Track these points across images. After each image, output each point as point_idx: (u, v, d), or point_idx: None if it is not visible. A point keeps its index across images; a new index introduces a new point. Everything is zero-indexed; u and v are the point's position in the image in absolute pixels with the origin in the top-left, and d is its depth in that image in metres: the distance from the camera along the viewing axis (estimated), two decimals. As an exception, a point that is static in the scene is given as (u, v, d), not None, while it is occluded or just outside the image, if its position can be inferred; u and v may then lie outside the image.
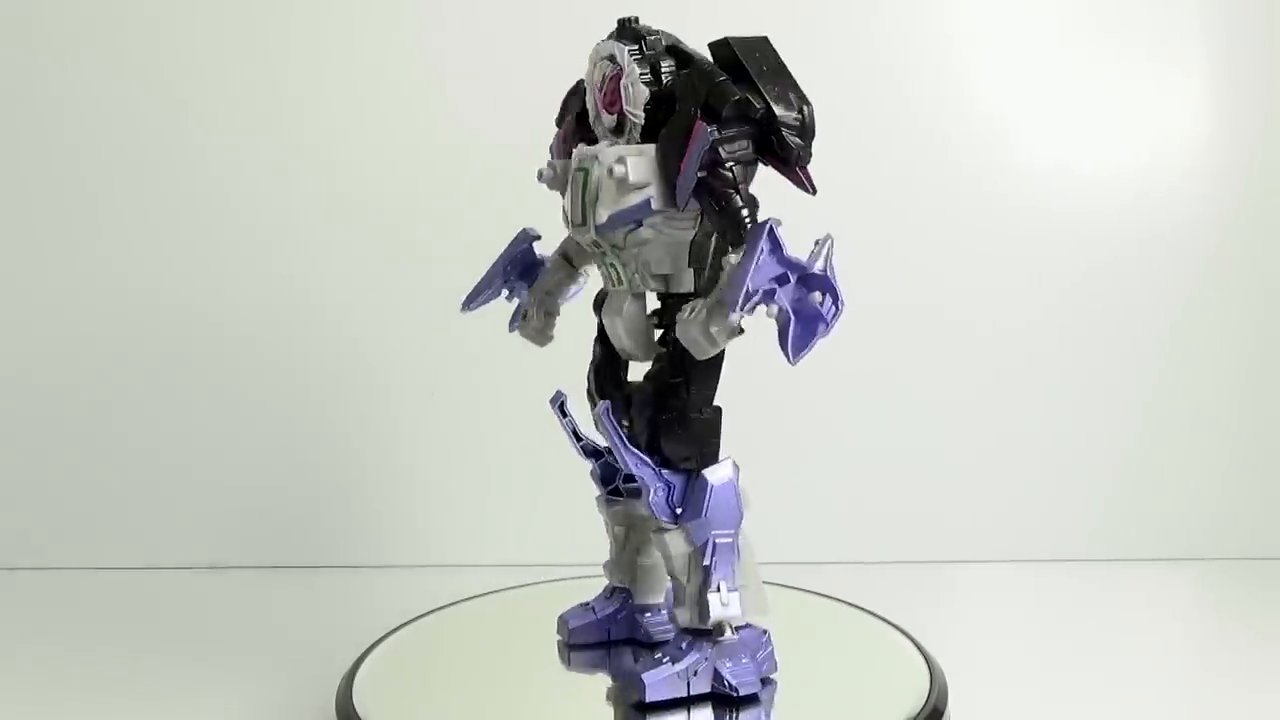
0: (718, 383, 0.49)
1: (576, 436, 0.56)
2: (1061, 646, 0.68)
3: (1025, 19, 0.82)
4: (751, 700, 0.50)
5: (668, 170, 0.46)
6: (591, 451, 0.56)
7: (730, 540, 0.49)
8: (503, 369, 0.78)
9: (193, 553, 0.83)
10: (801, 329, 0.43)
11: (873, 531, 0.83)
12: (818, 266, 0.44)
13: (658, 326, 0.51)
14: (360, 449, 0.83)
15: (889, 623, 0.61)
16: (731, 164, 0.45)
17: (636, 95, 0.47)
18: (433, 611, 0.64)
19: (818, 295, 0.44)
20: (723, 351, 0.46)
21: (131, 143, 0.81)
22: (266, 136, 0.81)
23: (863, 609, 0.63)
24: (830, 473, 0.83)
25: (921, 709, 0.51)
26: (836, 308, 0.44)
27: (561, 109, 0.53)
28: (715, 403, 0.50)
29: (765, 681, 0.51)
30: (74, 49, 0.81)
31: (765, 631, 0.52)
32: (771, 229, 0.43)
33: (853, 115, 0.81)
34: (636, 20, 0.49)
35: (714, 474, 0.49)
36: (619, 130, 0.48)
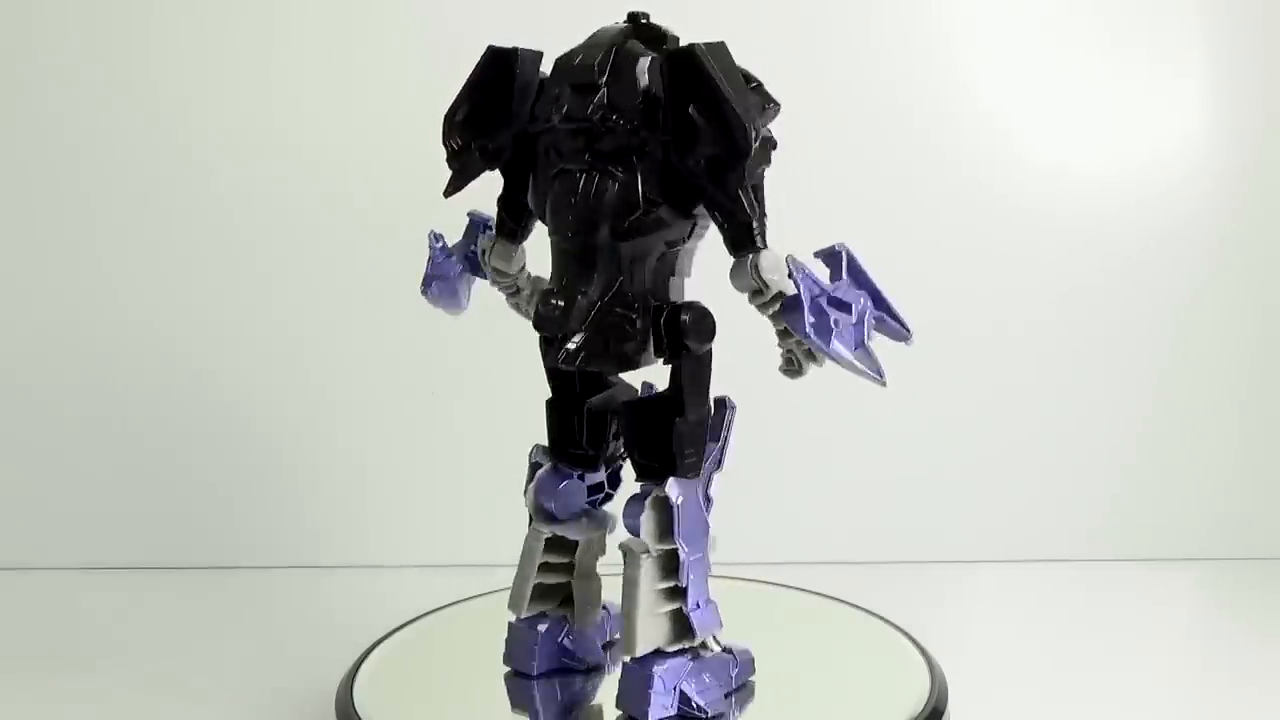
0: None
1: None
2: (1062, 647, 0.68)
3: (1025, 18, 0.82)
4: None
5: None
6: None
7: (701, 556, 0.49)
8: (504, 369, 0.78)
9: (193, 553, 0.83)
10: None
11: (873, 531, 0.83)
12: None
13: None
14: (361, 449, 0.83)
15: (889, 623, 0.61)
16: None
17: None
18: (433, 611, 0.64)
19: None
20: None
21: (129, 147, 0.81)
22: (264, 135, 0.81)
23: (863, 609, 0.63)
24: (831, 473, 0.83)
25: (921, 709, 0.51)
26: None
27: None
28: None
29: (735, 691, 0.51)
30: (68, 51, 0.81)
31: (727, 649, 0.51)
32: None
33: (851, 116, 0.81)
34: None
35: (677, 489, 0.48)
36: None
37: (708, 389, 0.48)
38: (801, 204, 0.82)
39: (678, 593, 0.48)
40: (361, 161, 0.81)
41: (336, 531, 0.83)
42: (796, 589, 0.67)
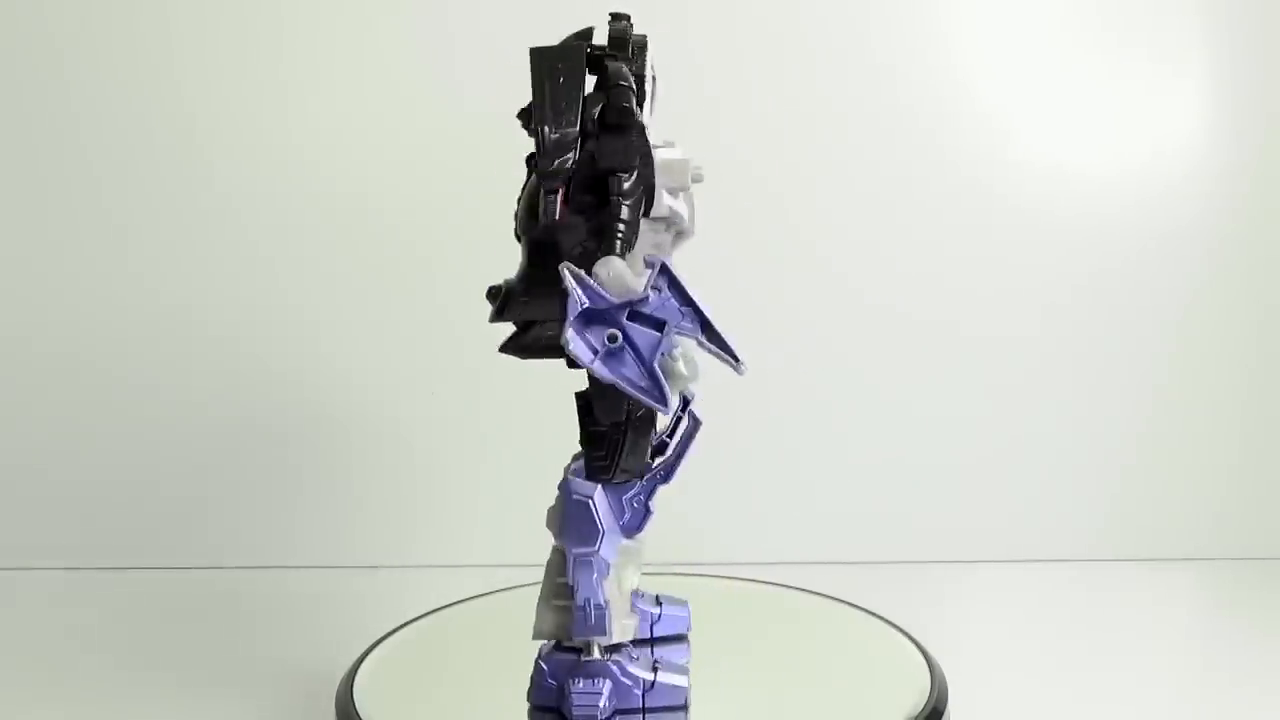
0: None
1: None
2: (1062, 646, 0.68)
3: (1026, 19, 0.82)
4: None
5: None
6: None
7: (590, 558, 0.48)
8: (503, 369, 0.78)
9: (193, 553, 0.83)
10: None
11: (874, 532, 0.83)
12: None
13: None
14: (361, 449, 0.83)
15: (889, 623, 0.61)
16: None
17: None
18: (433, 611, 0.64)
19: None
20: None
21: (128, 146, 0.81)
22: (273, 139, 0.82)
23: (863, 609, 0.63)
24: (831, 473, 0.83)
25: (921, 709, 0.51)
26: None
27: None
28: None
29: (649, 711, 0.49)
30: (85, 58, 0.81)
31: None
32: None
33: (851, 116, 0.82)
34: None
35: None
36: None
37: (623, 395, 0.46)
38: (802, 204, 0.82)
39: (568, 589, 0.48)
40: (368, 165, 0.81)
41: (336, 531, 0.83)
42: (796, 589, 0.66)
